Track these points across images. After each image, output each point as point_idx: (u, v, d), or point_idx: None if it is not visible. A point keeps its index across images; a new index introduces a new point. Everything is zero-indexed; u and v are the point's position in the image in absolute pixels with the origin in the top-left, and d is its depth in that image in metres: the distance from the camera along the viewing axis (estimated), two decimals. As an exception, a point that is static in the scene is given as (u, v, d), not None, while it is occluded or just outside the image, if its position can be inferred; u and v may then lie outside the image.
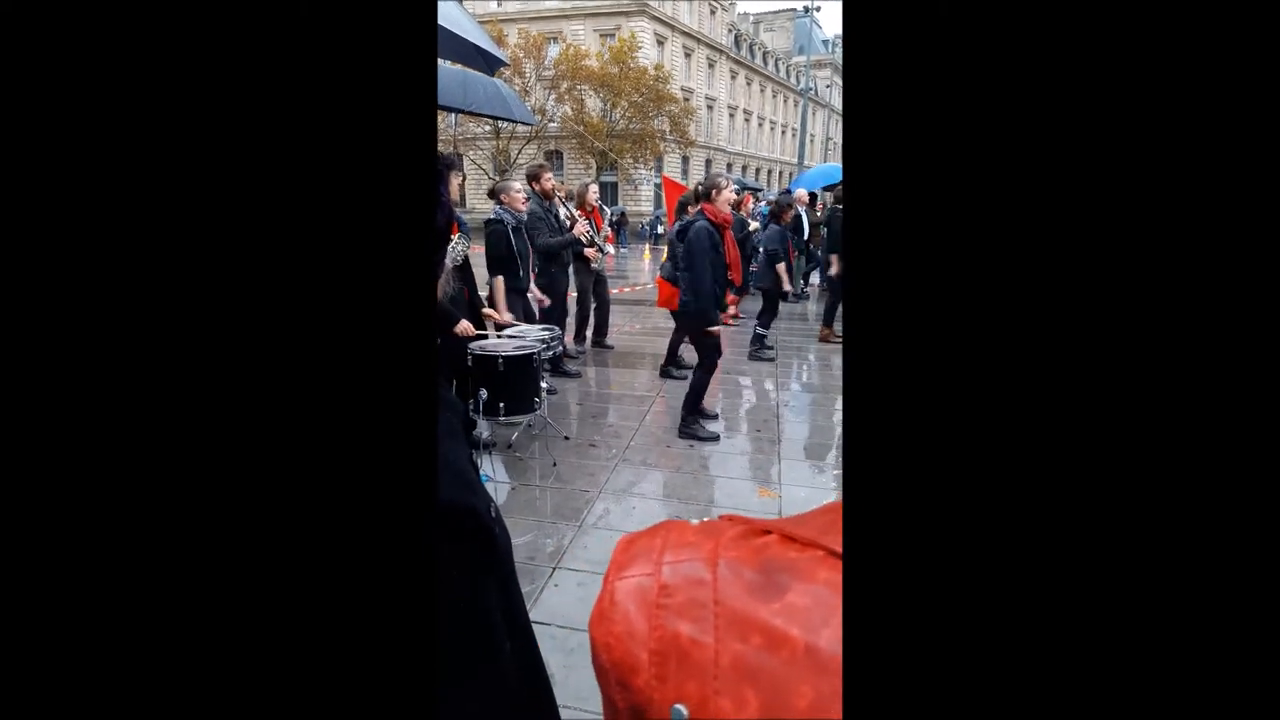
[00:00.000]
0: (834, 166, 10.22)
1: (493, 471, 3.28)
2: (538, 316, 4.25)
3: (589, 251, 5.17)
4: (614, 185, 27.58)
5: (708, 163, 32.17)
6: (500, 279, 3.96)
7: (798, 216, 6.37)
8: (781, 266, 5.71)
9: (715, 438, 3.79)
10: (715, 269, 3.59)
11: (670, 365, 5.07)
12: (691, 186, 5.21)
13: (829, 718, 0.26)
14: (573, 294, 5.35)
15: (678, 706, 0.29)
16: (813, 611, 0.27)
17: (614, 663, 0.31)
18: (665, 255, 5.04)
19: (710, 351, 3.76)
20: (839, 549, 0.29)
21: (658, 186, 28.90)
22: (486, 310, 3.59)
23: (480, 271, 3.86)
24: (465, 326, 3.13)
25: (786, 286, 6.00)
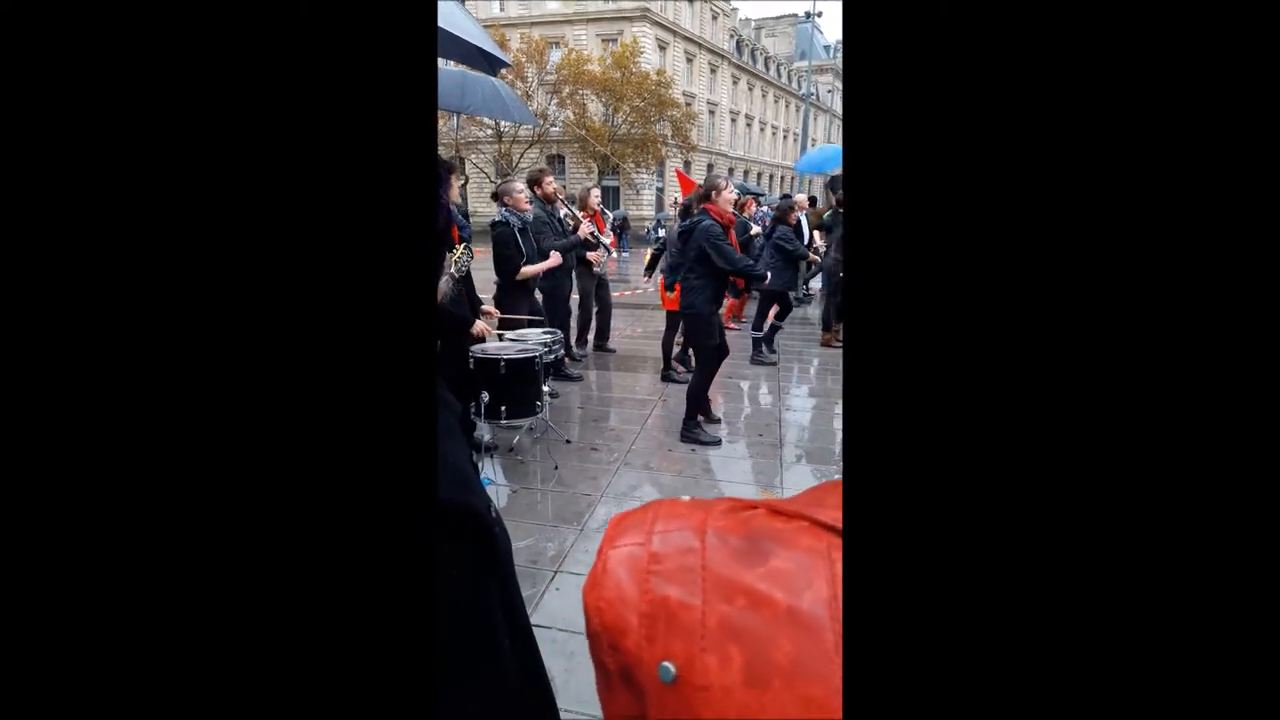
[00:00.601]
0: (835, 149, 9.98)
1: (494, 475, 3.27)
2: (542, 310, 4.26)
3: (592, 255, 5.18)
4: (616, 189, 27.62)
5: (709, 167, 32.19)
6: (531, 268, 3.97)
7: (798, 221, 6.37)
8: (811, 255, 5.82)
9: (717, 441, 3.79)
10: (718, 269, 3.60)
11: (670, 370, 5.07)
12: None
13: (806, 670, 0.27)
14: (575, 297, 5.36)
15: (665, 664, 0.30)
16: (795, 575, 0.29)
17: (605, 626, 0.32)
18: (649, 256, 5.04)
19: (708, 355, 3.76)
20: (823, 519, 0.30)
21: (660, 190, 28.92)
22: (486, 308, 3.60)
23: (487, 273, 3.87)
24: (481, 328, 3.14)
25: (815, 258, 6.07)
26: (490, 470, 3.28)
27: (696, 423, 3.82)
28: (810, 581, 0.29)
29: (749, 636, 0.28)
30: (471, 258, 2.53)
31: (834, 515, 0.30)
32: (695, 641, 0.30)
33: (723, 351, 3.96)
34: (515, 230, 3.92)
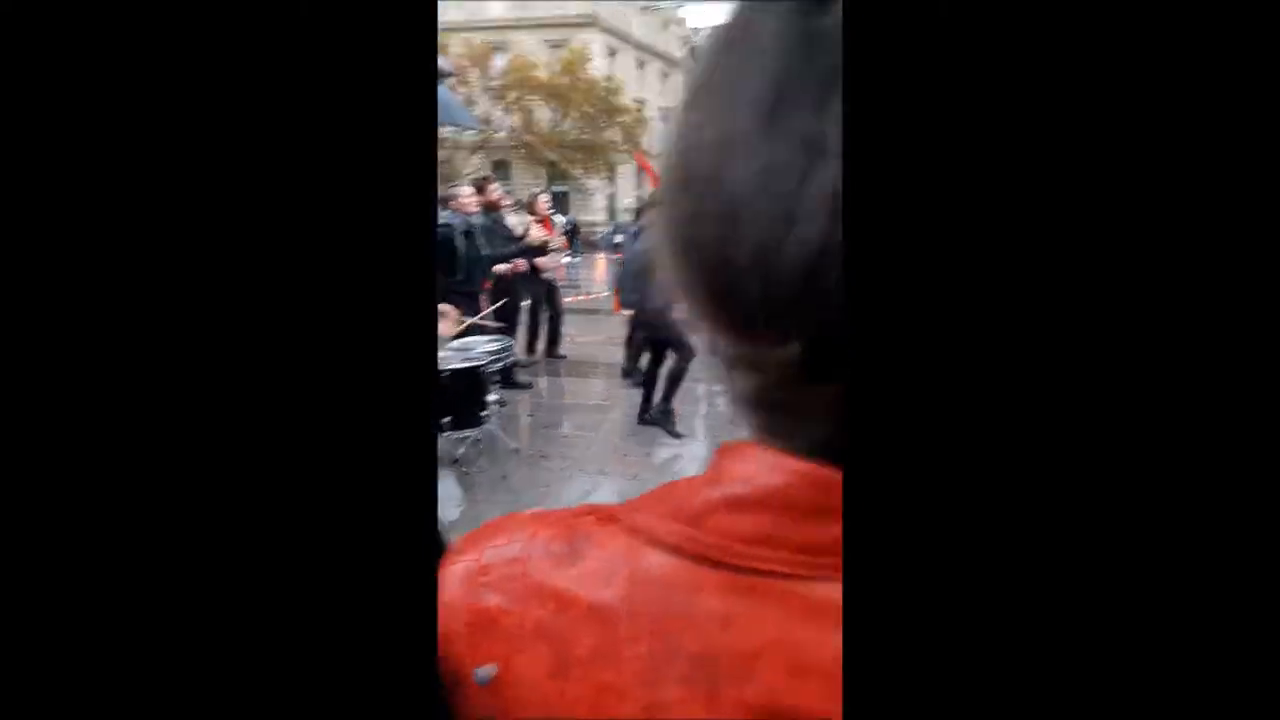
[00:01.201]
0: None
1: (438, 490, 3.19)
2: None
3: (542, 261, 5.12)
4: (565, 195, 27.58)
5: (660, 173, 32.48)
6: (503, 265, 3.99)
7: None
8: None
9: (679, 436, 3.82)
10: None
11: (633, 367, 5.06)
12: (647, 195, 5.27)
13: (602, 660, 0.30)
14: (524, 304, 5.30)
15: (477, 670, 0.33)
16: (599, 575, 0.32)
17: (439, 636, 0.36)
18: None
19: (680, 344, 3.80)
20: (632, 521, 0.33)
21: (611, 197, 29.04)
22: (443, 306, 3.54)
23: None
24: (447, 310, 3.09)
25: None
26: (437, 483, 3.20)
27: (670, 409, 3.84)
28: (610, 580, 0.31)
29: (556, 635, 0.31)
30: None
31: (644, 519, 0.33)
32: (512, 644, 0.32)
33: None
34: (458, 233, 3.87)
